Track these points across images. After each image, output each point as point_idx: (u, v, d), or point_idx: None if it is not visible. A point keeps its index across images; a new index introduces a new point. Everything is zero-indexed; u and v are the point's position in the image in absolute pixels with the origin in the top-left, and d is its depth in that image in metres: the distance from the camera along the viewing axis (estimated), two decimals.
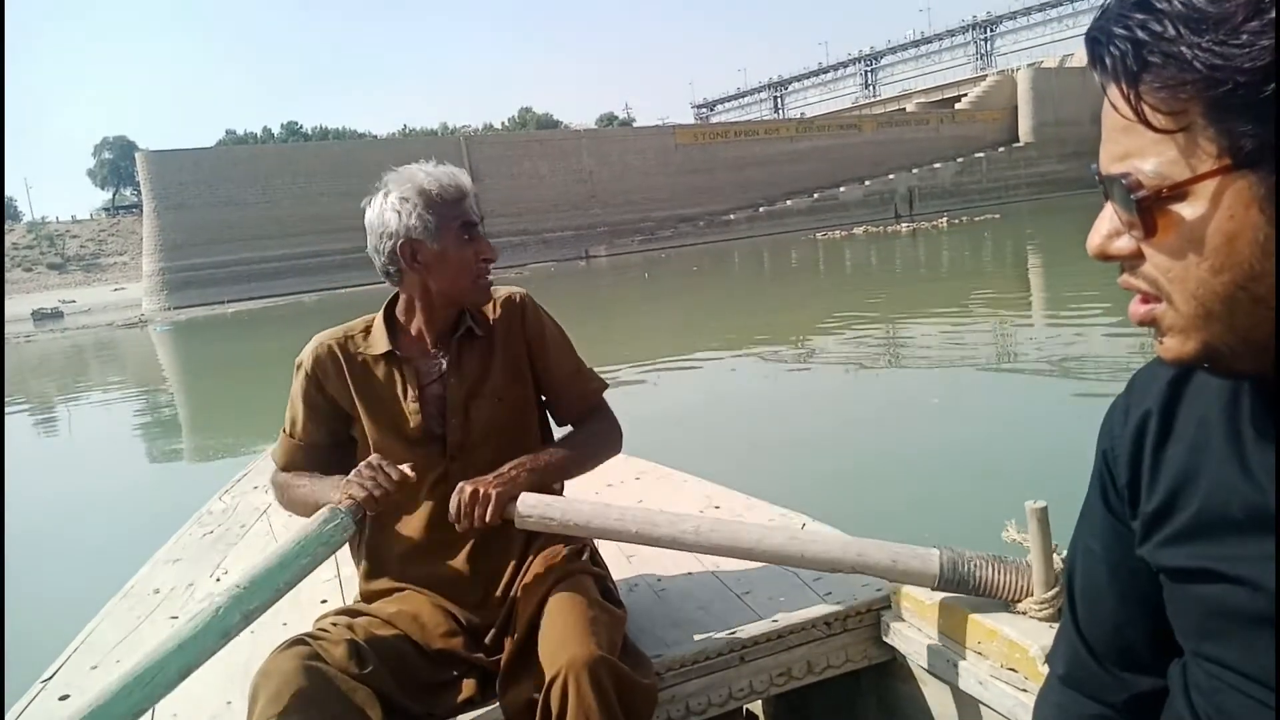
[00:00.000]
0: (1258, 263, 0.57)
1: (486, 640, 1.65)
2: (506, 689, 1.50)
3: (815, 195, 59.60)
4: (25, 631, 3.74)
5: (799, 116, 77.21)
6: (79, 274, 67.95)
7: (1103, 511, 0.82)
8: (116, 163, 79.91)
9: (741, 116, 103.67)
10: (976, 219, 42.26)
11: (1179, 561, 0.72)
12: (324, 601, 2.18)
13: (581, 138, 60.51)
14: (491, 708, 1.54)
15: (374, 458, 1.59)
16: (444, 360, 1.73)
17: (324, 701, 1.38)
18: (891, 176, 61.39)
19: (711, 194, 58.50)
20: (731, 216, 57.88)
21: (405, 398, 1.71)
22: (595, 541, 1.87)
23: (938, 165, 62.66)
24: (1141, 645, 0.82)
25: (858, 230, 45.49)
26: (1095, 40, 0.61)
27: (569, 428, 1.87)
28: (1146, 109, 0.58)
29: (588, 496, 2.31)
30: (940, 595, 1.63)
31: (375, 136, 63.85)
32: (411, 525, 1.72)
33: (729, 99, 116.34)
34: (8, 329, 44.58)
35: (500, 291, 1.81)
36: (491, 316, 1.80)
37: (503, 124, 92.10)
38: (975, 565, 1.55)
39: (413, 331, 1.76)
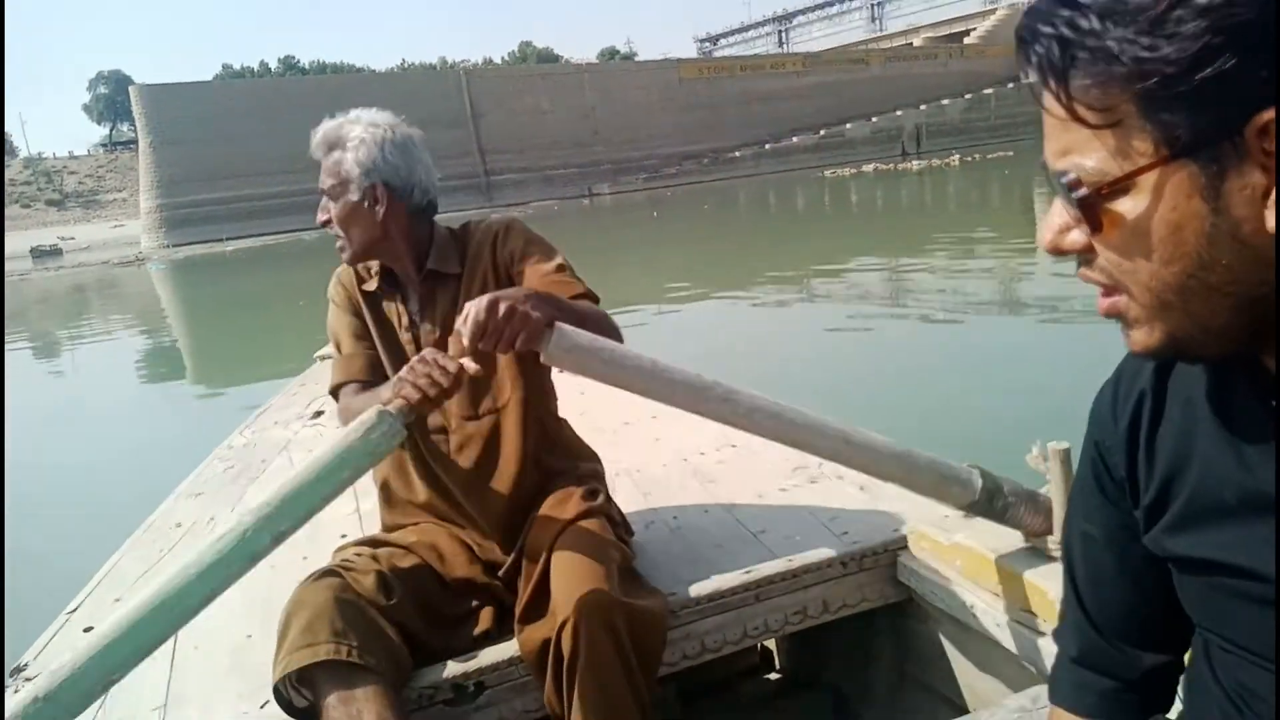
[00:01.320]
0: (1205, 252, 0.57)
1: (501, 573, 1.66)
2: (523, 628, 1.50)
3: (822, 132, 58.84)
4: (50, 564, 3.80)
5: (805, 52, 75.73)
6: (78, 210, 67.59)
7: (1101, 501, 0.81)
8: (112, 97, 78.92)
9: (746, 51, 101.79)
10: (989, 156, 41.63)
11: (1181, 550, 0.72)
12: (344, 536, 2.18)
13: (584, 72, 59.53)
14: (508, 643, 1.54)
15: (428, 351, 1.45)
16: (415, 301, 1.74)
17: (355, 632, 1.38)
18: (899, 113, 60.51)
19: (716, 131, 57.75)
20: (737, 154, 57.22)
21: (400, 328, 1.74)
22: (611, 480, 1.86)
23: (945, 102, 61.71)
24: (1154, 623, 0.81)
25: (867, 168, 44.97)
26: (1022, 40, 0.61)
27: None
28: (1078, 106, 0.58)
29: (605, 439, 2.30)
30: (958, 536, 1.62)
31: (374, 71, 62.78)
32: (419, 456, 1.72)
33: (733, 33, 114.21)
34: (6, 265, 44.50)
35: (485, 223, 1.78)
36: (468, 250, 1.75)
37: (502, 58, 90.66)
38: (1010, 497, 1.52)
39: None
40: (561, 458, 1.79)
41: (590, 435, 1.91)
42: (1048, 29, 0.58)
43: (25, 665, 1.71)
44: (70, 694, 1.12)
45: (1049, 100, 0.60)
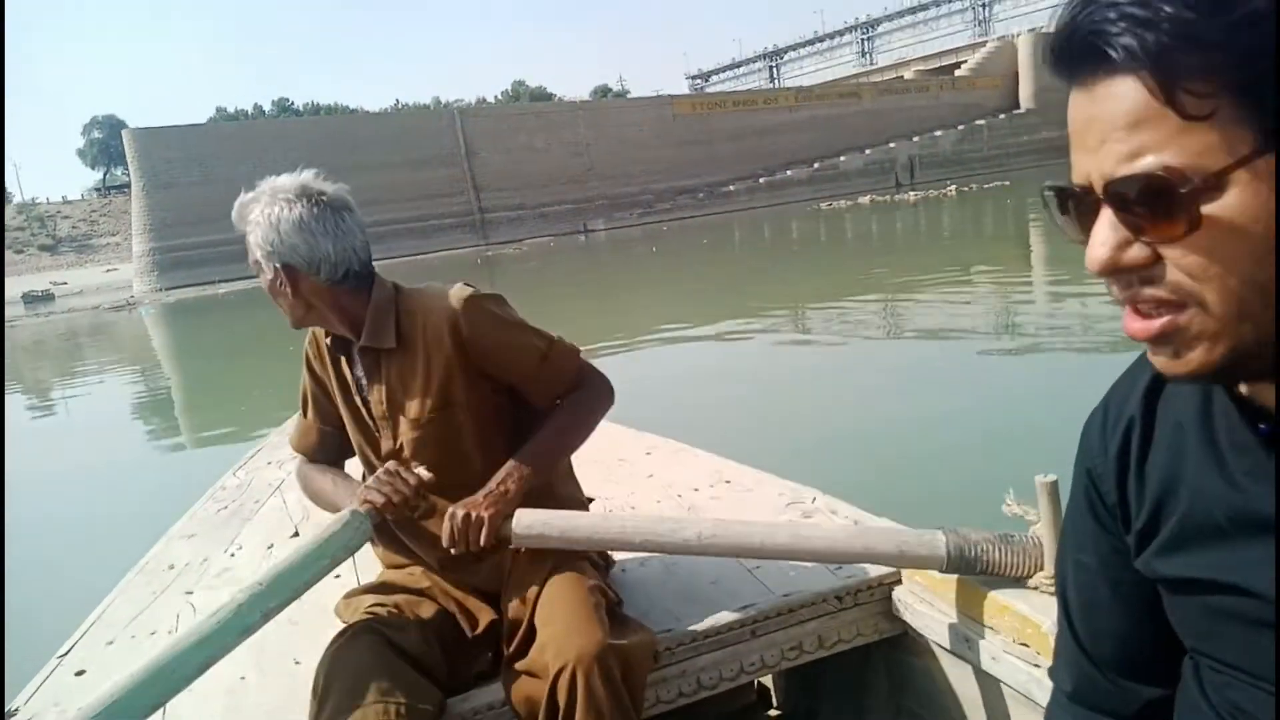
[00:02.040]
0: None
1: (494, 616, 1.67)
2: (511, 675, 1.51)
3: (815, 165, 59.33)
4: (42, 608, 3.80)
5: (797, 86, 76.56)
6: (71, 255, 67.74)
7: (1094, 527, 0.81)
8: (106, 142, 79.43)
9: (737, 87, 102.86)
10: (985, 186, 41.89)
11: (1173, 571, 0.72)
12: (337, 576, 2.19)
13: (578, 109, 60.12)
14: (496, 692, 1.55)
15: (391, 464, 1.62)
16: (360, 369, 1.72)
17: (400, 689, 1.40)
18: (892, 145, 61.09)
19: (711, 165, 58.21)
20: (731, 188, 57.62)
21: (353, 394, 1.75)
22: (609, 514, 1.88)
23: (938, 133, 62.36)
24: (1148, 654, 0.81)
25: (863, 199, 45.24)
26: (1098, 31, 0.57)
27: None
28: (1183, 95, 0.55)
29: (598, 474, 2.33)
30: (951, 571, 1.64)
31: (367, 111, 63.28)
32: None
33: (724, 69, 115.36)
34: None
35: (443, 299, 1.67)
36: (418, 326, 1.67)
37: (496, 98, 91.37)
38: (981, 548, 1.55)
39: None
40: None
41: (584, 470, 1.93)
42: (1137, 12, 0.55)
43: (15, 711, 1.72)
44: None
45: (1131, 92, 0.56)
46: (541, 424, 1.70)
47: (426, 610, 1.62)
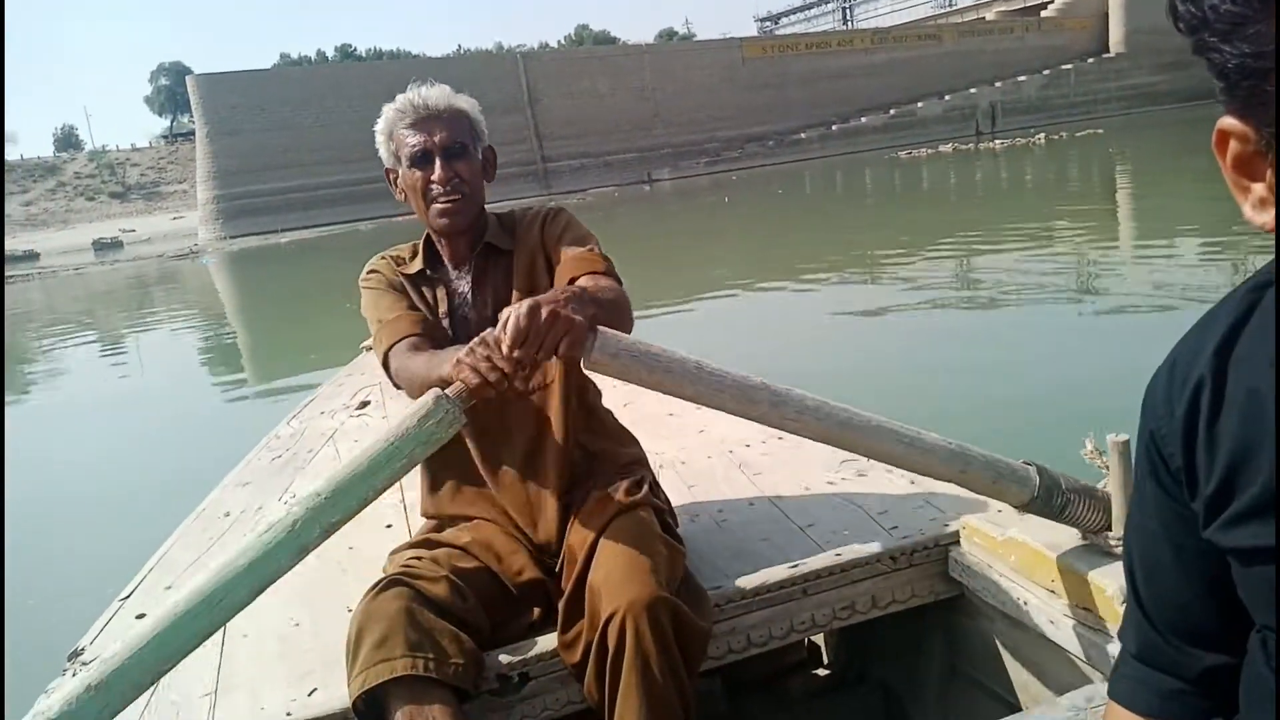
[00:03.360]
0: None
1: (549, 566, 1.68)
2: (564, 623, 1.53)
3: (891, 111, 57.93)
4: (104, 552, 3.97)
5: (873, 28, 74.56)
6: (140, 202, 69.72)
7: (1157, 492, 0.80)
8: (173, 89, 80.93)
9: (808, 29, 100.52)
10: (1077, 135, 40.29)
11: (1245, 542, 0.70)
12: (389, 526, 2.25)
13: (644, 53, 59.45)
14: (551, 635, 1.57)
15: (487, 333, 1.40)
16: (468, 278, 1.78)
17: (429, 644, 1.42)
18: (973, 91, 59.27)
19: (781, 111, 57.25)
20: (803, 135, 56.65)
21: (440, 314, 1.76)
22: (655, 471, 1.88)
23: (1022, 78, 60.26)
24: (1210, 622, 0.80)
25: (944, 148, 43.95)
26: None
27: None
28: None
29: (649, 429, 2.33)
30: (1012, 531, 1.62)
31: (430, 57, 63.47)
32: (463, 446, 1.73)
33: (794, 11, 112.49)
34: (69, 258, 46.10)
35: (533, 208, 1.85)
36: (518, 231, 1.81)
37: (559, 42, 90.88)
38: (1066, 495, 1.51)
39: (442, 251, 1.81)
40: (605, 440, 1.81)
41: (634, 426, 1.93)
42: None
43: (82, 650, 1.80)
44: (122, 683, 1.18)
45: None
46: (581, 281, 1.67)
47: (465, 563, 1.63)
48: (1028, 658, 1.65)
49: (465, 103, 1.77)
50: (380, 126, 1.77)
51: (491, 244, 1.77)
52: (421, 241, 1.83)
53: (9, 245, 56.35)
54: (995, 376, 5.76)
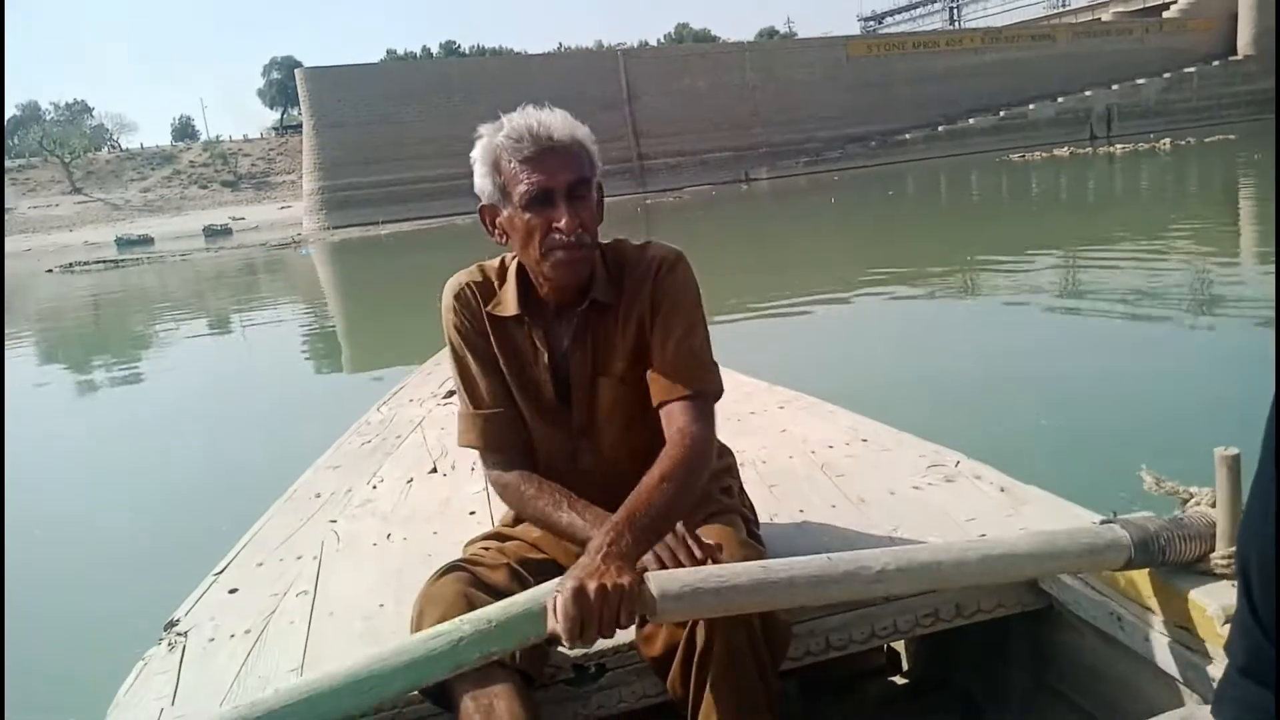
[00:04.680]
0: None
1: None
2: (644, 621, 1.54)
3: (1001, 113, 56.51)
4: (201, 527, 4.16)
5: (984, 27, 72.66)
6: (250, 191, 72.61)
7: None
8: (284, 83, 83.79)
9: (913, 29, 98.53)
10: (1206, 140, 38.36)
11: None
12: (472, 513, 2.30)
13: (745, 50, 59.27)
14: (629, 634, 1.59)
15: (679, 528, 1.41)
16: (569, 332, 1.60)
17: None
18: (1087, 93, 57.39)
19: (885, 111, 56.38)
20: (907, 136, 55.72)
21: (538, 365, 1.62)
22: (740, 470, 1.88)
23: (1141, 81, 58.10)
24: None
25: (1059, 151, 42.56)
26: None
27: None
28: None
29: (730, 428, 2.32)
30: None
31: (531, 54, 64.36)
32: (551, 472, 1.65)
33: (899, 10, 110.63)
34: (181, 243, 48.18)
35: (649, 251, 1.62)
36: (626, 282, 1.60)
37: (659, 40, 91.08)
38: (1163, 538, 1.44)
39: (541, 294, 1.61)
40: None
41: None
42: None
43: (176, 621, 1.89)
44: None
45: None
46: (654, 468, 1.47)
47: (533, 555, 1.64)
48: (1120, 675, 1.60)
49: (584, 133, 1.53)
50: (481, 154, 1.53)
51: (598, 300, 1.58)
52: (513, 274, 1.62)
53: (128, 228, 59.29)
54: (1075, 394, 5.54)
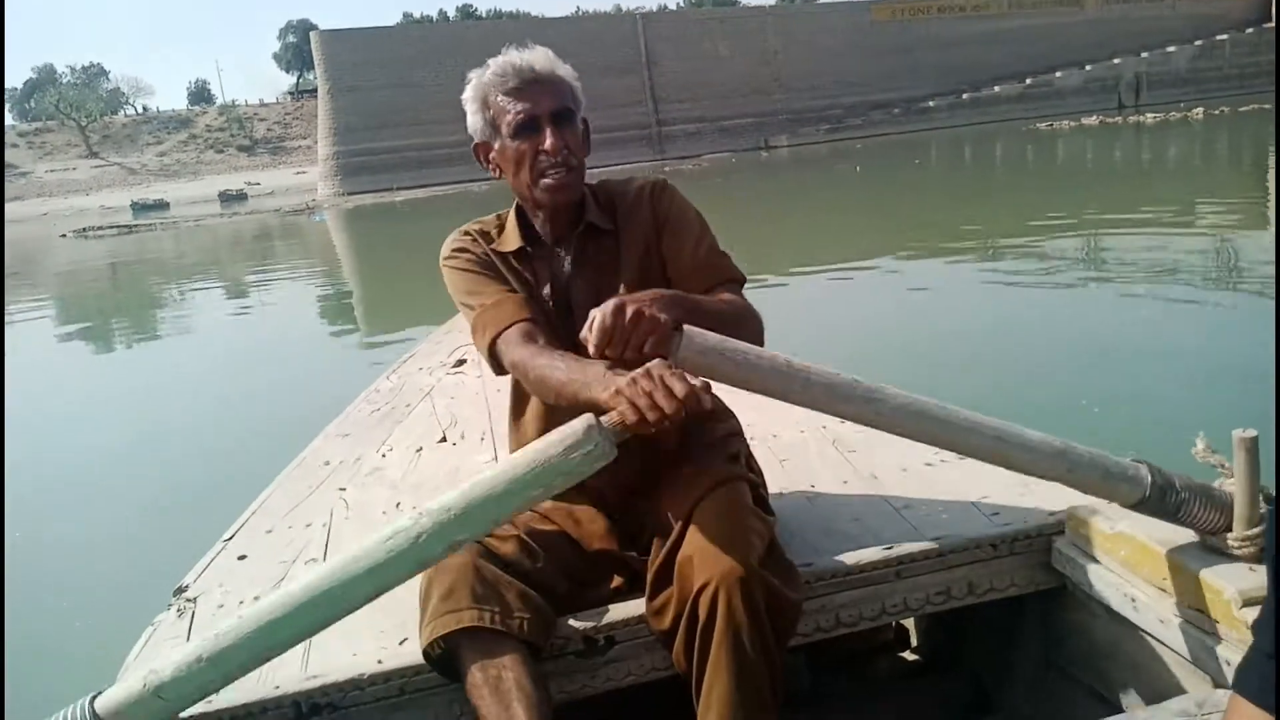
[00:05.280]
0: None
1: (636, 538, 1.69)
2: (654, 591, 1.54)
3: (1027, 81, 55.67)
4: (209, 493, 4.21)
5: None
6: (266, 156, 72.61)
7: None
8: (300, 46, 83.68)
9: None
10: (1240, 110, 37.19)
11: None
12: None
13: (767, 14, 58.48)
14: (639, 599, 1.59)
15: (657, 363, 1.31)
16: (568, 258, 1.69)
17: (495, 598, 1.46)
18: (1116, 61, 56.34)
19: (909, 78, 55.66)
20: (931, 103, 54.99)
21: (540, 296, 1.69)
22: (749, 444, 1.88)
23: (1171, 49, 56.91)
24: None
25: (1088, 120, 41.79)
26: None
27: None
28: None
29: (741, 401, 2.31)
30: (1121, 524, 1.56)
31: (549, 17, 63.87)
32: (555, 420, 1.67)
33: None
34: (196, 208, 48.33)
35: (634, 182, 1.75)
36: (620, 207, 1.72)
37: (678, 4, 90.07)
38: (1183, 494, 1.45)
39: (538, 227, 1.71)
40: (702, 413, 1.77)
41: (726, 397, 1.93)
42: None
43: (186, 587, 1.92)
44: (229, 662, 1.26)
45: None
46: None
47: (543, 526, 1.66)
48: (1132, 656, 1.60)
49: (566, 70, 1.65)
50: (470, 94, 1.65)
51: (593, 224, 1.69)
52: (513, 215, 1.73)
53: (144, 192, 59.47)
54: (1118, 367, 5.52)
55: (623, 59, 51.89)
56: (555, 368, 1.49)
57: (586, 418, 1.28)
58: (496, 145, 1.64)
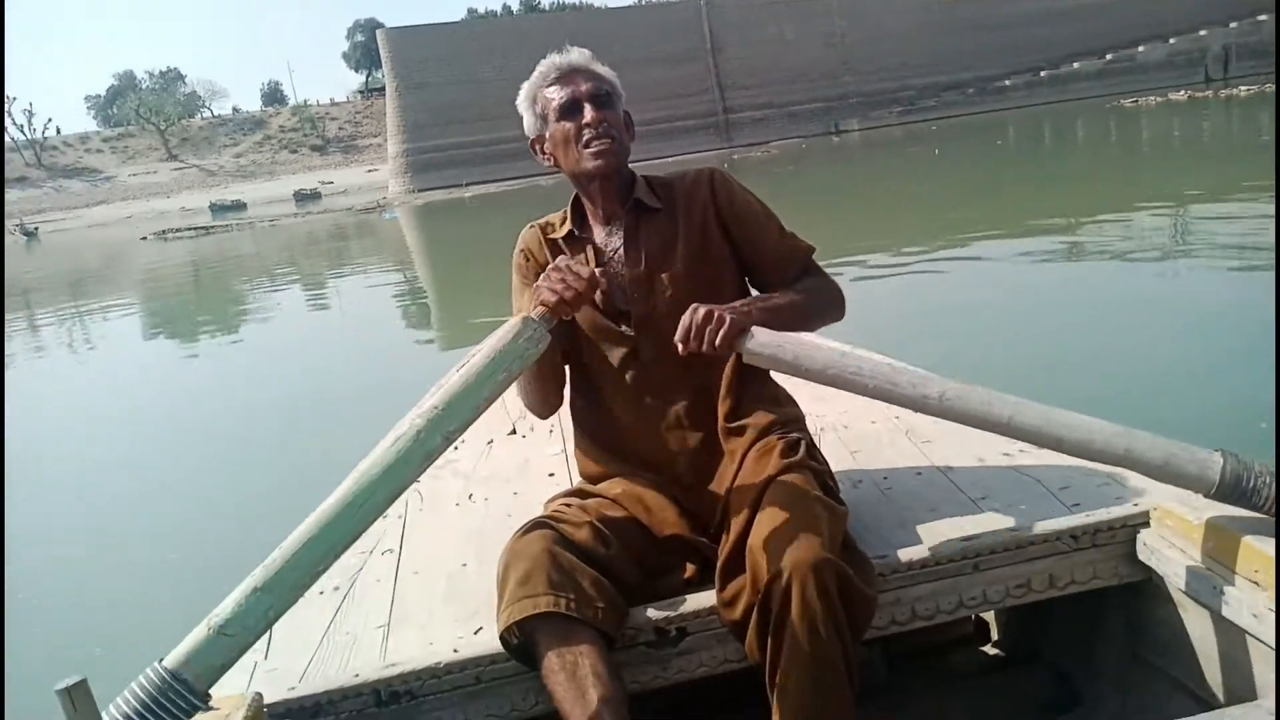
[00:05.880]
0: None
1: (706, 525, 1.70)
2: (723, 583, 1.55)
3: (1108, 56, 53.98)
4: (291, 480, 4.34)
5: None
6: (337, 155, 74.13)
7: None
8: (368, 45, 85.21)
9: None
10: None
11: None
12: (551, 474, 2.34)
13: None
14: (709, 593, 1.60)
15: (561, 259, 1.67)
16: (619, 236, 1.81)
17: (570, 585, 1.48)
18: (1202, 33, 54.22)
19: (983, 57, 54.36)
20: (1007, 82, 53.67)
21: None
22: (815, 432, 1.87)
23: (1262, 18, 54.45)
24: None
25: (1175, 95, 40.13)
26: None
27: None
28: None
29: (809, 390, 2.30)
30: (1209, 515, 1.52)
31: (610, 8, 63.95)
32: (618, 404, 1.80)
33: None
34: (272, 208, 49.53)
35: (690, 170, 1.88)
36: (676, 191, 1.83)
37: None
38: (1262, 479, 1.41)
39: (589, 212, 1.85)
40: (763, 401, 1.79)
41: (794, 387, 1.90)
42: None
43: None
44: (283, 584, 1.32)
45: None
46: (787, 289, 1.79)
47: (614, 513, 1.68)
48: (1223, 651, 1.56)
49: (604, 68, 1.81)
50: (521, 98, 1.82)
51: (641, 201, 1.81)
52: (569, 204, 1.87)
53: (222, 193, 61.20)
54: (1176, 356, 5.35)
55: (687, 47, 51.67)
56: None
57: (520, 314, 1.58)
58: (547, 134, 1.79)
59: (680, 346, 1.56)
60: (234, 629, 1.28)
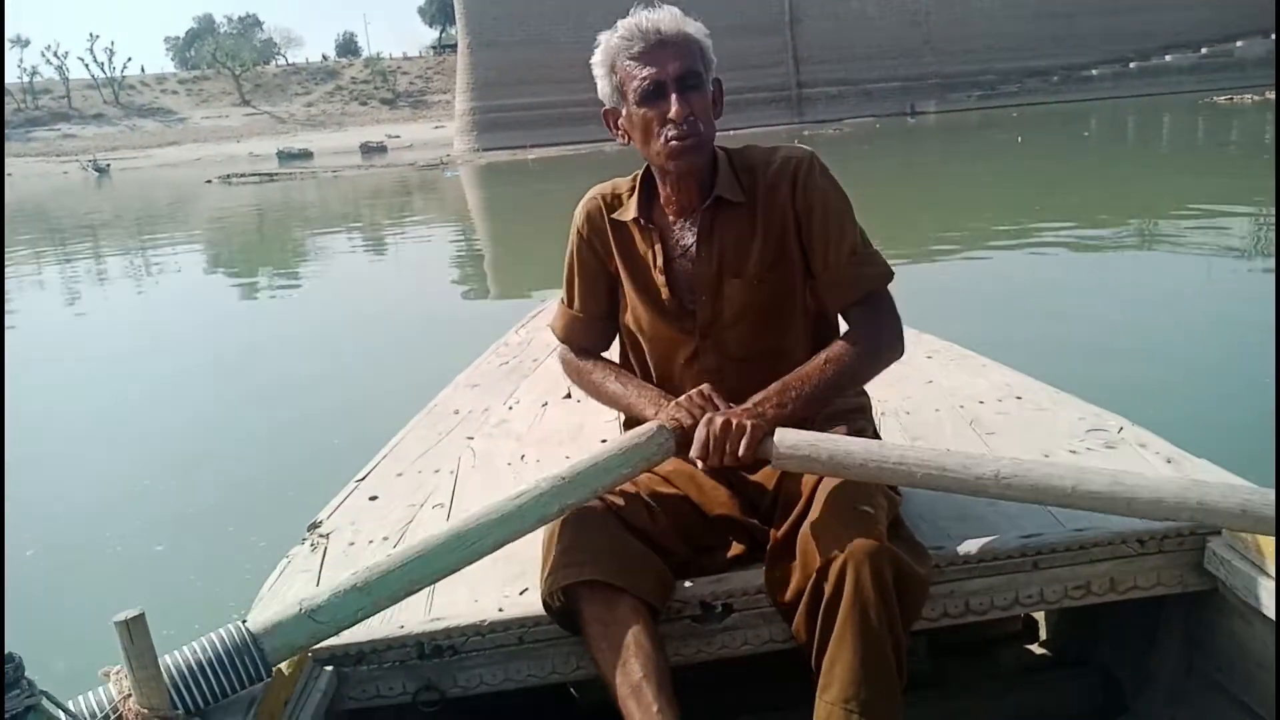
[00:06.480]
0: None
1: (758, 506, 1.69)
2: (774, 564, 1.53)
3: (1203, 50, 52.27)
4: (344, 435, 4.41)
5: None
6: (407, 110, 74.87)
7: None
8: (445, 0, 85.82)
9: None
10: None
11: None
12: (604, 441, 2.33)
13: None
14: (757, 571, 1.59)
15: (705, 387, 1.55)
16: (693, 232, 1.67)
17: (614, 555, 1.48)
18: None
19: (1070, 44, 53.06)
20: (1094, 72, 52.38)
21: (654, 268, 1.69)
22: (876, 418, 1.83)
23: None
24: None
25: (1272, 94, 38.58)
26: None
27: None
28: None
29: None
30: None
31: None
32: (676, 393, 1.70)
33: None
34: (338, 158, 50.11)
35: (780, 153, 1.67)
36: (759, 180, 1.65)
37: None
38: None
39: (662, 198, 1.69)
40: None
41: None
42: None
43: (320, 523, 2.01)
44: (380, 591, 1.37)
45: None
46: (822, 352, 1.62)
47: (664, 489, 1.66)
48: None
49: (695, 28, 1.59)
50: (598, 59, 1.62)
51: (723, 198, 1.64)
52: (640, 179, 1.71)
53: (290, 141, 62.10)
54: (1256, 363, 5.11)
55: (764, 18, 51.04)
56: (605, 385, 1.75)
57: (656, 423, 1.53)
58: (624, 112, 1.62)
59: (699, 463, 1.49)
60: (324, 617, 1.34)
